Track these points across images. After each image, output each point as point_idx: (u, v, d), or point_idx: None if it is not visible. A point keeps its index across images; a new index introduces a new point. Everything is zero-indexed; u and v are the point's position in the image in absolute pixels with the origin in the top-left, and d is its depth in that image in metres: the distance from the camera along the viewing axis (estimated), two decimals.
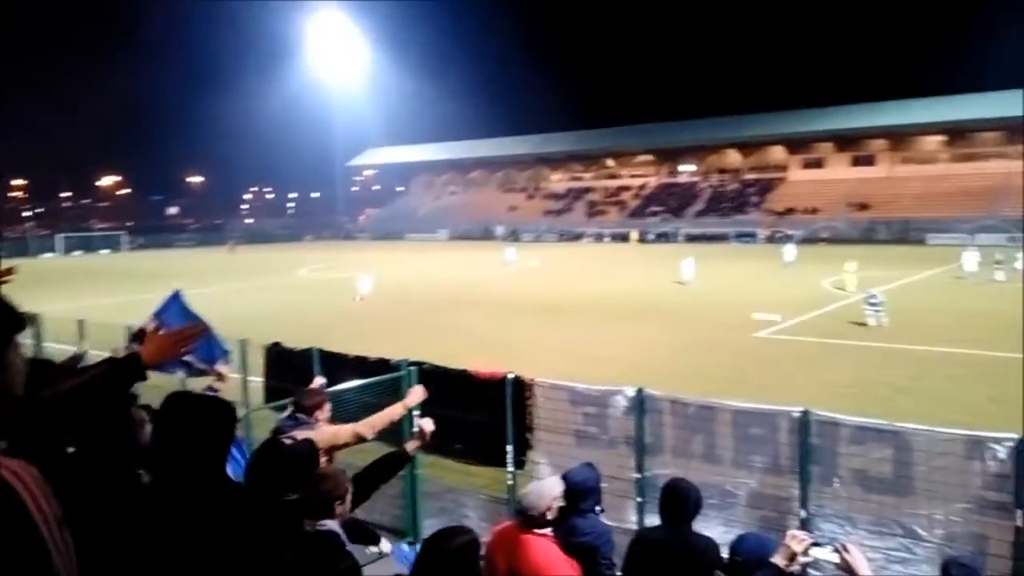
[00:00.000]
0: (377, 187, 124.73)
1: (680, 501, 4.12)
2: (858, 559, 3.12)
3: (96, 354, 13.20)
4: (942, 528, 4.96)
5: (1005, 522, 4.75)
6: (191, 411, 2.62)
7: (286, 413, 5.47)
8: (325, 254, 60.11)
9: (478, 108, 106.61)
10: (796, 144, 76.96)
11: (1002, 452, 4.75)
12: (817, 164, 76.52)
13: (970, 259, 31.69)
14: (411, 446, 4.62)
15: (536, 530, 3.92)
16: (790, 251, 39.80)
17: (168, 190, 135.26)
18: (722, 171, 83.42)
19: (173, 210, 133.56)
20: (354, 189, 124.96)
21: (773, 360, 16.53)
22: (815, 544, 3.36)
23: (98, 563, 1.67)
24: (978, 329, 19.48)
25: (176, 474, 2.50)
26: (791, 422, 5.51)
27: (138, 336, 6.52)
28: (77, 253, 73.34)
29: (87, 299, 27.17)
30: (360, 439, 4.87)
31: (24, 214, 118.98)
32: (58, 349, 11.44)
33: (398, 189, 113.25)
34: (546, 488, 4.10)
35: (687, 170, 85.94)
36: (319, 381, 6.13)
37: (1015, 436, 4.77)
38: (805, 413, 5.46)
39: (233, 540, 2.46)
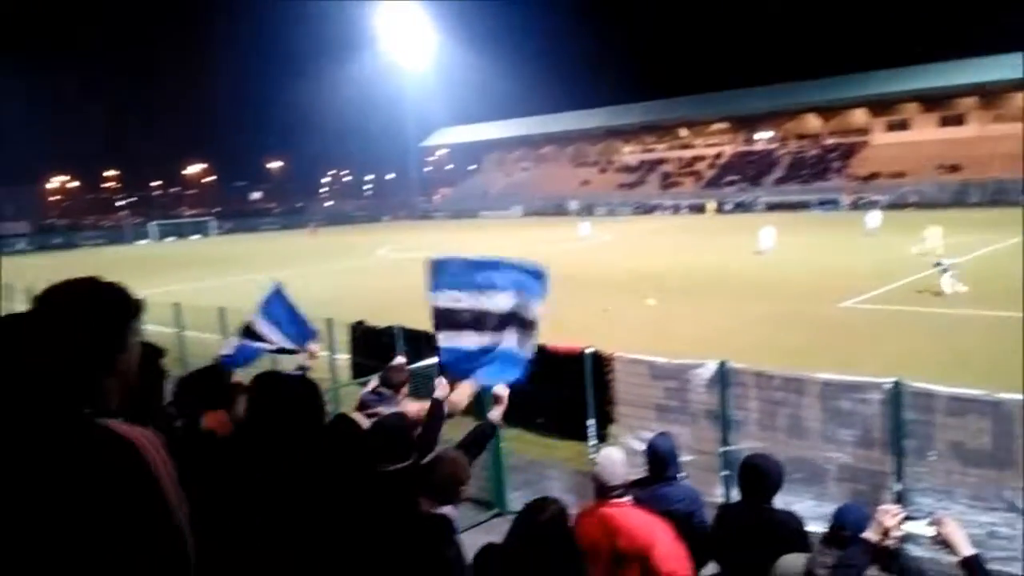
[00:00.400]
0: (450, 166, 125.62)
1: (760, 477, 4.07)
2: (957, 533, 3.00)
3: (194, 335, 13.88)
4: None
5: None
6: (280, 390, 2.72)
7: (369, 388, 5.60)
8: (403, 235, 61.06)
9: (547, 82, 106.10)
10: (879, 106, 73.53)
11: None
12: (902, 126, 73.00)
13: None
14: (495, 414, 4.65)
15: (616, 500, 3.93)
16: (874, 217, 38.06)
17: (251, 176, 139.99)
18: (801, 137, 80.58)
19: (256, 195, 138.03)
20: (427, 169, 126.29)
21: (858, 331, 16.01)
22: (909, 518, 3.25)
23: (205, 531, 1.77)
24: None
25: (272, 449, 2.60)
26: (883, 393, 5.36)
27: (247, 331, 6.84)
28: (170, 239, 76.68)
29: (182, 283, 28.40)
30: (449, 414, 4.97)
31: (118, 203, 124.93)
32: (156, 331, 12.02)
33: (470, 168, 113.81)
34: (614, 457, 4.11)
35: (764, 137, 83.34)
36: (400, 360, 6.28)
37: None
38: (897, 384, 5.30)
39: (342, 515, 2.55)
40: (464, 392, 5.01)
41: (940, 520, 3.05)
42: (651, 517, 3.86)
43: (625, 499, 3.94)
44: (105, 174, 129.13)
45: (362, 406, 5.08)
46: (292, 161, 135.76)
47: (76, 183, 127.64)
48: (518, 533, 3.10)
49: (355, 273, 33.72)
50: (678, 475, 4.60)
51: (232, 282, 30.17)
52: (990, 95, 67.12)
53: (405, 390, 5.40)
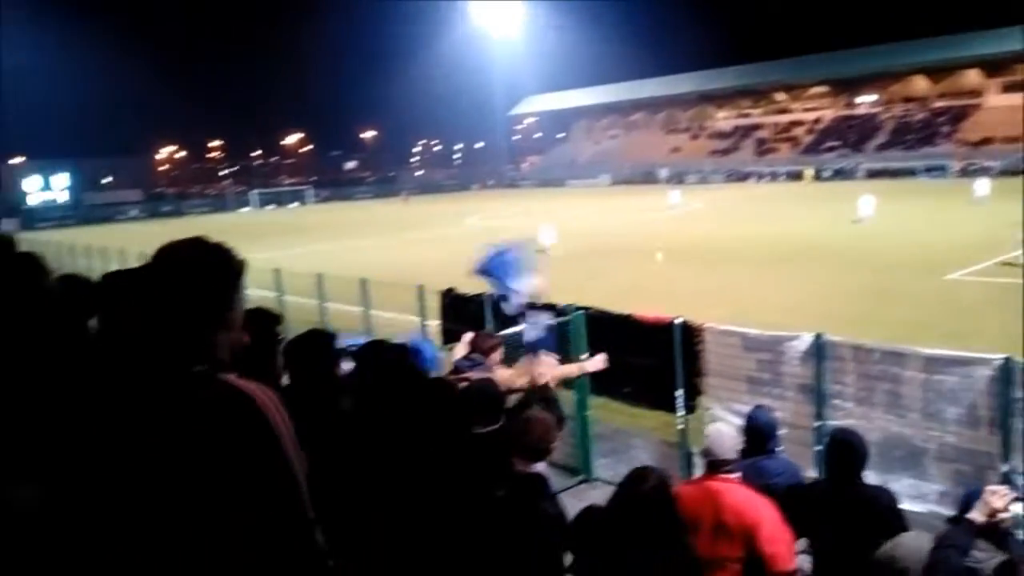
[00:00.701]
0: (538, 135, 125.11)
1: (848, 452, 3.96)
2: None
3: (293, 299, 14.44)
4: None
5: None
6: (384, 358, 2.82)
7: (462, 354, 5.70)
8: (491, 203, 61.41)
9: (637, 47, 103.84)
10: (994, 66, 68.46)
11: None
12: (1019, 87, 67.83)
13: None
14: (590, 366, 5.17)
15: (726, 475, 3.91)
16: (982, 185, 35.58)
17: (346, 146, 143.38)
18: (907, 100, 76.14)
19: (351, 164, 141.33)
20: (516, 138, 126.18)
21: (965, 304, 15.18)
22: (1018, 499, 3.12)
23: (317, 487, 1.84)
24: None
25: (379, 412, 2.68)
26: (991, 370, 5.10)
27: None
28: (269, 207, 79.65)
29: (281, 250, 29.50)
30: (532, 384, 5.05)
31: (222, 173, 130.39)
32: (257, 295, 12.57)
33: (558, 136, 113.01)
34: (725, 431, 4.09)
35: (867, 101, 79.19)
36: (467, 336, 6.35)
37: None
38: (1007, 360, 5.03)
39: (443, 474, 2.62)
40: (558, 368, 5.20)
41: None
42: (758, 495, 3.83)
43: (734, 475, 3.92)
44: (210, 145, 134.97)
45: (455, 371, 5.23)
46: (385, 131, 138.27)
47: (183, 153, 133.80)
48: (621, 500, 3.12)
49: (445, 241, 34.21)
50: (778, 447, 4.55)
51: (328, 249, 31.17)
52: None
53: (495, 355, 5.50)
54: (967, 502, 3.23)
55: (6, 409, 2.24)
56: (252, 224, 54.12)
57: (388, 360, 2.82)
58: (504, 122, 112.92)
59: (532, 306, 6.26)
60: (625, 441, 7.74)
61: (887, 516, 3.82)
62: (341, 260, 25.05)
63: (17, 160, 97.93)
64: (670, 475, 3.23)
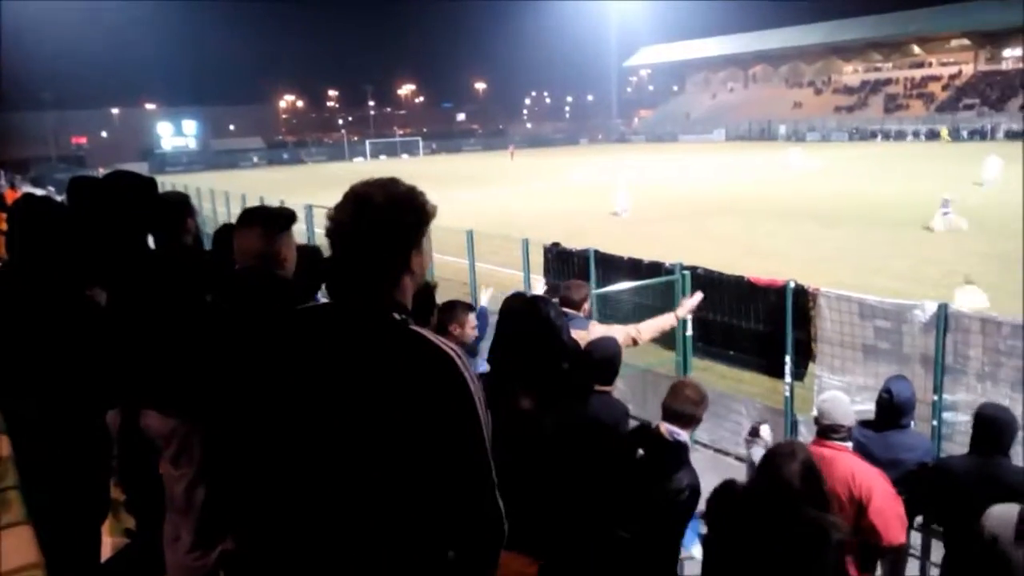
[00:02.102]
0: (651, 87, 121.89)
1: (995, 429, 3.74)
2: None
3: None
4: None
5: None
6: (526, 309, 2.76)
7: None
8: (598, 157, 60.58)
9: None
10: None
11: None
12: None
13: None
14: (681, 311, 5.07)
15: (838, 443, 3.78)
16: (993, 166, 30.46)
17: (456, 97, 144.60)
18: None
19: (461, 116, 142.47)
20: (628, 91, 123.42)
21: None
22: None
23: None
24: None
25: (514, 368, 2.64)
26: None
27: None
28: (383, 158, 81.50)
29: None
30: (632, 342, 4.96)
31: (338, 122, 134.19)
32: None
33: (673, 89, 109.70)
34: (840, 398, 3.96)
35: (1013, 55, 72.51)
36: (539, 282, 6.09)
37: None
38: None
39: (582, 434, 2.61)
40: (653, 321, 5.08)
41: None
42: (871, 467, 3.71)
43: (847, 444, 3.81)
44: (328, 95, 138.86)
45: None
46: (496, 83, 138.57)
47: (302, 103, 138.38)
48: (767, 477, 2.99)
49: (551, 195, 34.11)
50: (911, 424, 4.36)
51: (435, 199, 31.64)
52: None
53: (587, 307, 5.37)
54: None
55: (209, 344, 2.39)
56: (363, 173, 54.92)
57: (528, 313, 2.73)
58: (617, 74, 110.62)
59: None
60: (727, 405, 7.57)
61: None
62: (448, 211, 25.36)
63: (150, 107, 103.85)
64: (811, 453, 3.06)
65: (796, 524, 2.83)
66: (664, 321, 5.13)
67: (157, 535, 3.00)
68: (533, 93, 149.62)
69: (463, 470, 1.66)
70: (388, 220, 1.72)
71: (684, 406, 3.43)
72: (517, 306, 2.68)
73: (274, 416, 1.69)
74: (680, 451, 3.36)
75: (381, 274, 1.72)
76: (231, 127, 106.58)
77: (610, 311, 8.13)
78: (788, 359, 6.84)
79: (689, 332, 7.62)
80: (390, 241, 1.73)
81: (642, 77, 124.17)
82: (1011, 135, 58.51)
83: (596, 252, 9.00)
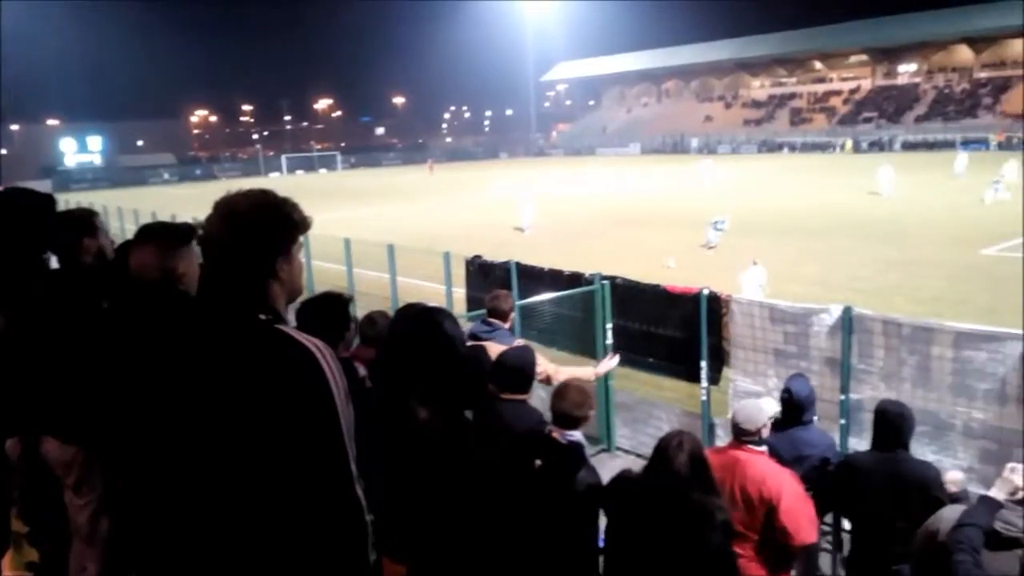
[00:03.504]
0: (568, 102, 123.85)
1: (895, 424, 3.92)
2: None
3: (318, 264, 14.53)
4: None
5: None
6: (424, 321, 2.75)
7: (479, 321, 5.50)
8: (518, 171, 61.07)
9: (672, 13, 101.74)
10: None
11: None
12: None
13: None
14: (601, 368, 5.24)
15: (752, 447, 3.90)
16: (1012, 168, 31.63)
17: (375, 111, 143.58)
18: (949, 70, 73.86)
19: (380, 130, 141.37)
20: (546, 105, 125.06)
21: (1001, 280, 14.85)
22: None
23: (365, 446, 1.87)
24: None
25: (410, 377, 2.64)
26: (1023, 346, 4.99)
27: None
28: (299, 172, 79.97)
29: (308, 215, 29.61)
30: (547, 379, 4.97)
31: (253, 137, 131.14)
32: None
33: (589, 103, 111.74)
34: (763, 405, 4.06)
35: (907, 70, 76.99)
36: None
37: None
38: None
39: (479, 444, 2.62)
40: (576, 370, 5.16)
41: None
42: (783, 470, 3.83)
43: (760, 448, 3.92)
44: (242, 109, 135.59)
45: (473, 337, 5.15)
46: (415, 97, 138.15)
47: (215, 118, 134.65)
48: (657, 466, 3.13)
49: (471, 209, 34.18)
50: (814, 418, 4.52)
51: (355, 215, 31.32)
52: None
53: (512, 319, 5.40)
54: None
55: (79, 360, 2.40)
56: (280, 189, 54.17)
57: (421, 324, 2.73)
58: (535, 88, 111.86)
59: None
60: (647, 411, 7.72)
61: (934, 491, 3.79)
62: (368, 226, 25.19)
63: (52, 123, 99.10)
64: (699, 440, 3.23)
65: (684, 508, 2.99)
66: (582, 372, 5.26)
67: (62, 568, 2.86)
68: (452, 107, 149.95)
69: (320, 462, 1.72)
70: (252, 228, 1.80)
71: (570, 408, 3.53)
72: (411, 316, 2.67)
73: (148, 425, 1.75)
74: (577, 451, 3.45)
75: (246, 279, 1.79)
76: (139, 143, 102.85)
77: (532, 322, 8.18)
78: (704, 364, 7.02)
79: (609, 341, 7.74)
80: (254, 248, 1.80)
81: (559, 91, 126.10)
82: (907, 146, 61.93)
83: (517, 264, 9.06)
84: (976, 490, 4.77)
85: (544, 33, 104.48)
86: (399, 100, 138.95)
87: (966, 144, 57.22)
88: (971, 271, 15.80)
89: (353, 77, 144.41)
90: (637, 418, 7.86)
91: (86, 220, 3.48)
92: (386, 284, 12.22)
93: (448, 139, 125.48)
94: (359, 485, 1.78)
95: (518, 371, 3.82)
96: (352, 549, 1.76)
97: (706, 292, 6.97)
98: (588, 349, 7.86)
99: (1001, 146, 55.90)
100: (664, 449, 3.13)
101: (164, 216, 19.32)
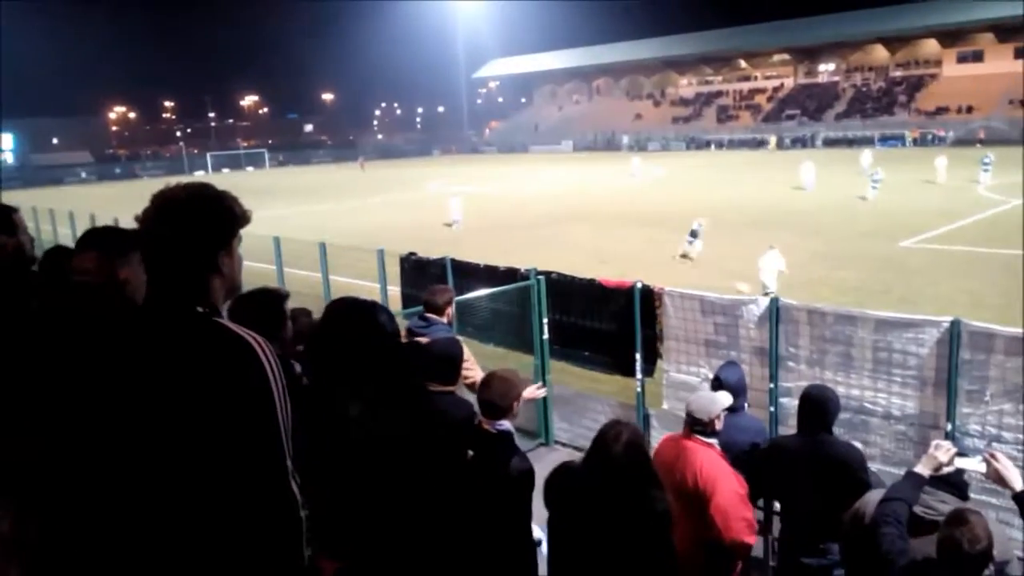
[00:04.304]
0: (501, 99, 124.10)
1: (819, 408, 4.04)
2: (1009, 469, 2.98)
3: (247, 264, 14.14)
4: None
5: None
6: (356, 315, 2.72)
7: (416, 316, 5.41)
8: (453, 169, 60.89)
9: (602, 11, 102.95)
10: (951, 36, 69.33)
11: None
12: (976, 58, 68.88)
13: None
14: (527, 393, 4.89)
15: (701, 438, 3.96)
16: (865, 157, 35.82)
17: (304, 108, 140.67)
18: (866, 69, 76.93)
19: (309, 127, 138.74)
20: (479, 102, 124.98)
21: (918, 270, 15.56)
22: (960, 454, 3.23)
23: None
24: None
25: (345, 371, 2.60)
26: (940, 332, 5.23)
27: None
28: (225, 171, 77.86)
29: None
30: (471, 384, 4.96)
31: (177, 134, 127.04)
32: None
33: (522, 100, 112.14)
34: (716, 397, 4.13)
35: (827, 69, 79.83)
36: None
37: None
38: (955, 323, 5.16)
39: (414, 438, 2.60)
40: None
41: (992, 456, 3.04)
42: (724, 465, 3.88)
43: (710, 440, 3.97)
44: (165, 105, 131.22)
45: (409, 333, 5.11)
46: (345, 94, 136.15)
47: (135, 114, 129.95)
48: (596, 456, 3.15)
49: (405, 206, 33.92)
50: (745, 404, 4.63)
51: (284, 213, 30.70)
52: None
53: (451, 311, 5.33)
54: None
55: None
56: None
57: (355, 318, 2.69)
58: (467, 85, 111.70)
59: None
60: (584, 405, 7.79)
61: (858, 472, 3.91)
62: (298, 224, 24.73)
63: None
64: (639, 430, 3.28)
65: (621, 498, 3.03)
66: None
67: None
68: (383, 104, 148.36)
69: (257, 457, 1.72)
70: (190, 222, 1.78)
71: (496, 398, 3.53)
72: (344, 310, 2.63)
73: (80, 421, 1.74)
74: (507, 440, 3.47)
75: (185, 273, 1.77)
76: (54, 140, 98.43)
77: (469, 318, 8.16)
78: (638, 356, 7.12)
79: (545, 336, 7.78)
80: (194, 242, 1.78)
81: (492, 89, 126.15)
82: (828, 142, 64.15)
83: (452, 260, 9.03)
84: (894, 471, 4.99)
85: (476, 30, 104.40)
86: (328, 97, 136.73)
87: (884, 140, 59.68)
88: (890, 262, 16.48)
89: (280, 73, 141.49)
90: (575, 411, 7.92)
91: (4, 217, 3.32)
92: (318, 283, 12.00)
93: (379, 136, 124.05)
94: (294, 481, 1.77)
95: (444, 362, 3.82)
96: (286, 545, 1.75)
97: (639, 285, 7.07)
98: (525, 344, 7.89)
99: (917, 142, 58.51)
100: (602, 439, 3.15)
101: (82, 216, 18.56)
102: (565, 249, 19.24)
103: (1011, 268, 15.24)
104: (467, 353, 5.13)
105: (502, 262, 9.01)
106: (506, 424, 3.53)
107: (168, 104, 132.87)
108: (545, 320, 7.77)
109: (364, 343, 2.57)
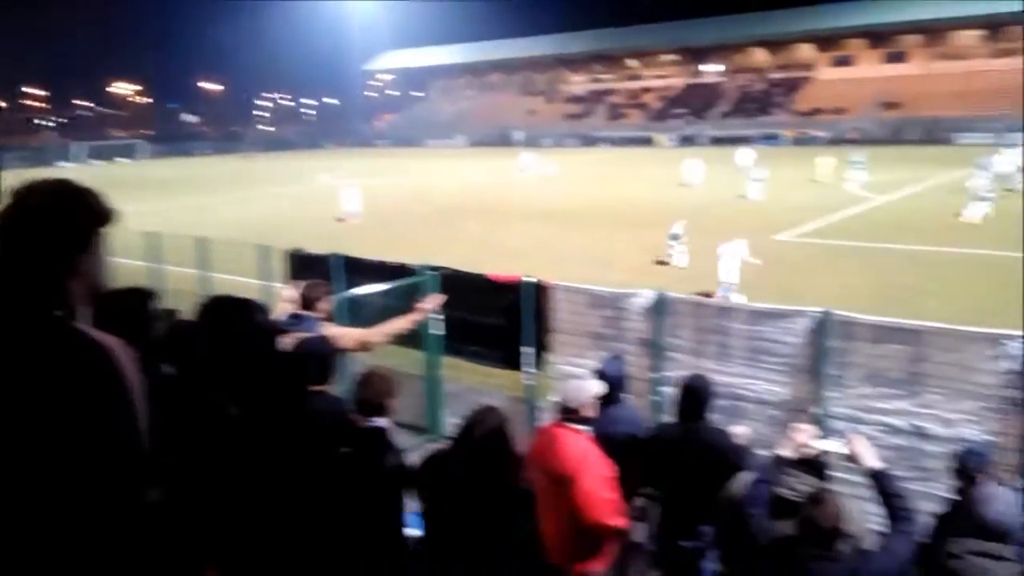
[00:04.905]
0: (394, 92, 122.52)
1: (694, 396, 4.21)
2: (865, 449, 3.19)
3: (120, 262, 13.40)
4: (954, 426, 5.03)
5: (1016, 418, 4.80)
6: (228, 313, 2.63)
7: (284, 312, 5.04)
8: (345, 161, 59.69)
9: (495, 6, 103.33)
10: (825, 41, 73.87)
11: (1015, 349, 4.75)
12: (847, 62, 73.57)
13: (1004, 161, 28.46)
14: (417, 314, 5.21)
15: (572, 425, 4.01)
16: (744, 154, 37.07)
17: (184, 97, 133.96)
18: (748, 70, 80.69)
19: (190, 118, 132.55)
20: (371, 95, 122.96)
21: (793, 263, 16.44)
22: (821, 437, 3.43)
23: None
24: (1000, 230, 19.18)
25: (216, 372, 2.54)
26: (810, 322, 5.53)
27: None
28: (96, 162, 73.36)
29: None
30: (363, 347, 4.91)
31: (44, 124, 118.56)
32: None
33: (416, 94, 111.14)
34: (586, 386, 4.19)
35: (712, 70, 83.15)
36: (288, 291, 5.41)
37: None
38: (824, 313, 5.47)
39: (286, 436, 2.55)
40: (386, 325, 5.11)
41: (850, 438, 3.25)
42: (592, 450, 3.96)
43: (582, 428, 4.03)
44: (27, 92, 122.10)
45: (280, 331, 4.89)
46: (229, 83, 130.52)
47: None
48: (461, 440, 3.25)
49: (294, 200, 32.99)
50: (623, 398, 4.74)
51: (162, 207, 29.25)
52: (934, 32, 67.88)
53: (325, 307, 5.15)
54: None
55: None
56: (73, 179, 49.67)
57: (230, 317, 2.63)
58: (359, 77, 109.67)
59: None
60: (474, 399, 7.75)
61: (730, 456, 4.09)
62: (176, 219, 23.66)
63: None
64: (508, 416, 3.37)
65: (486, 478, 3.15)
66: (398, 323, 5.14)
67: None
68: (270, 94, 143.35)
69: (112, 465, 1.66)
70: (47, 220, 1.68)
71: (373, 396, 3.54)
72: (219, 309, 2.55)
73: None
74: (380, 436, 3.48)
75: (41, 275, 1.68)
76: None
77: (359, 315, 8.01)
78: (528, 350, 7.19)
79: (436, 331, 7.73)
80: (49, 242, 1.68)
81: (385, 81, 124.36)
82: (714, 140, 66.83)
83: (342, 256, 8.83)
84: (767, 453, 5.24)
85: (368, 21, 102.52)
86: (211, 86, 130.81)
87: (764, 139, 62.65)
88: (768, 255, 17.31)
89: (158, 60, 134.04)
90: (465, 406, 7.90)
91: None
92: (197, 281, 11.49)
93: (267, 127, 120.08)
94: (153, 490, 1.73)
95: (315, 361, 3.77)
96: (140, 553, 1.69)
97: (528, 280, 7.13)
98: (415, 340, 7.81)
99: (796, 141, 61.81)
100: (466, 425, 3.27)
101: None
102: (458, 244, 19.21)
103: (877, 261, 16.37)
104: (340, 330, 5.03)
105: (393, 257, 8.90)
106: (382, 421, 3.53)
107: (34, 92, 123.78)
108: (436, 316, 7.73)
109: (240, 342, 2.50)
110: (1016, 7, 59.14)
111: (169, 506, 1.94)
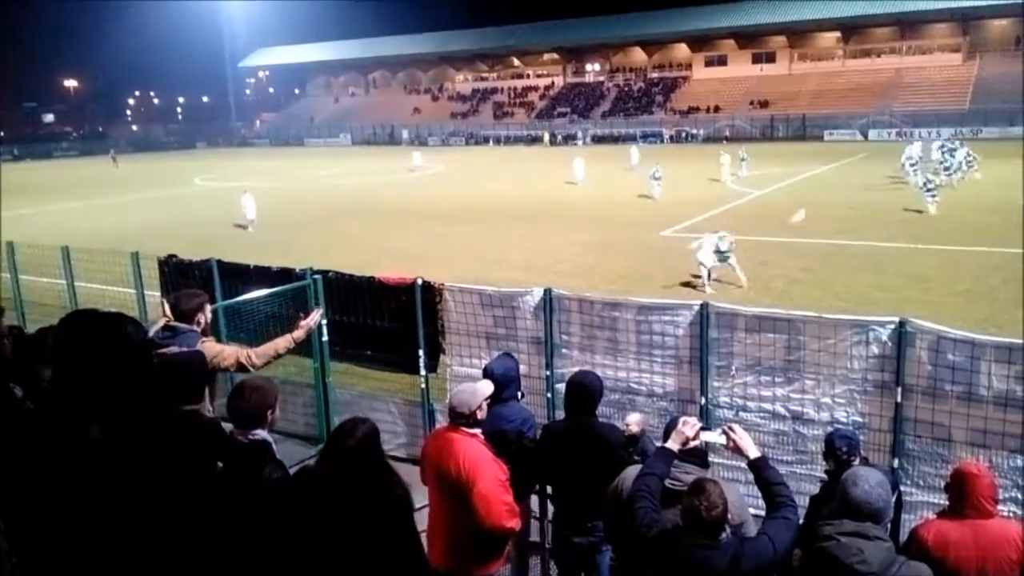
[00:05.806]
0: (272, 90, 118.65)
1: (583, 393, 4.26)
2: (745, 440, 3.32)
3: None
4: (829, 410, 5.32)
5: (886, 400, 5.13)
6: (92, 330, 2.45)
7: (158, 325, 4.71)
8: (220, 162, 57.32)
9: (377, 3, 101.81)
10: (699, 42, 76.90)
11: (884, 334, 5.08)
12: (720, 62, 76.87)
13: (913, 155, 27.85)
14: (299, 332, 5.05)
15: (465, 429, 3.98)
16: (635, 154, 40.10)
17: (42, 96, 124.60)
18: (628, 70, 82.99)
19: (50, 118, 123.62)
20: (248, 93, 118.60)
21: (676, 258, 17.02)
22: (704, 429, 3.55)
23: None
24: (867, 221, 20.57)
25: (81, 391, 2.36)
26: (692, 314, 5.71)
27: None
28: None
29: None
30: (242, 367, 4.66)
31: None
32: None
33: (295, 92, 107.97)
34: (477, 389, 4.16)
35: (593, 69, 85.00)
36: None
37: (896, 319, 5.10)
38: (704, 305, 5.66)
39: (161, 455, 2.39)
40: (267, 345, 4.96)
41: (731, 429, 3.37)
42: (486, 454, 3.94)
43: (473, 431, 4.00)
44: None
45: (152, 345, 4.56)
46: (92, 81, 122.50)
47: None
48: (328, 454, 3.19)
49: (167, 203, 31.40)
50: (517, 394, 4.74)
51: (19, 214, 27.20)
52: (797, 34, 71.88)
53: (201, 319, 4.85)
54: (667, 432, 3.59)
55: None
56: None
57: (95, 332, 2.42)
58: (233, 75, 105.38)
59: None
60: (367, 405, 7.62)
61: (617, 451, 4.18)
62: (36, 226, 22.07)
63: None
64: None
65: (357, 487, 3.13)
66: (280, 343, 4.95)
67: None
68: (138, 93, 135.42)
69: None
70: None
71: (248, 407, 3.42)
72: (82, 323, 2.37)
73: None
74: (261, 449, 3.38)
75: None
76: None
77: (240, 324, 7.67)
78: (421, 353, 7.10)
79: (325, 338, 7.51)
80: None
81: (261, 79, 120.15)
82: (596, 139, 68.34)
83: (219, 262, 8.44)
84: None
85: (241, 16, 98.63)
86: (72, 84, 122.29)
87: (644, 138, 64.63)
88: (652, 251, 17.88)
89: (11, 56, 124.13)
90: (357, 413, 7.71)
91: None
92: (62, 292, 10.72)
93: (134, 127, 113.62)
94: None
95: (186, 379, 3.63)
96: None
97: (420, 282, 7.04)
98: (304, 348, 7.55)
99: (673, 139, 64.08)
100: (337, 435, 3.25)
101: None
102: (347, 245, 18.82)
103: (754, 251, 17.16)
104: (219, 348, 4.79)
105: (282, 261, 8.59)
106: (261, 433, 3.41)
107: None
108: (324, 321, 7.50)
109: (106, 358, 2.32)
110: (869, 10, 63.81)
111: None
